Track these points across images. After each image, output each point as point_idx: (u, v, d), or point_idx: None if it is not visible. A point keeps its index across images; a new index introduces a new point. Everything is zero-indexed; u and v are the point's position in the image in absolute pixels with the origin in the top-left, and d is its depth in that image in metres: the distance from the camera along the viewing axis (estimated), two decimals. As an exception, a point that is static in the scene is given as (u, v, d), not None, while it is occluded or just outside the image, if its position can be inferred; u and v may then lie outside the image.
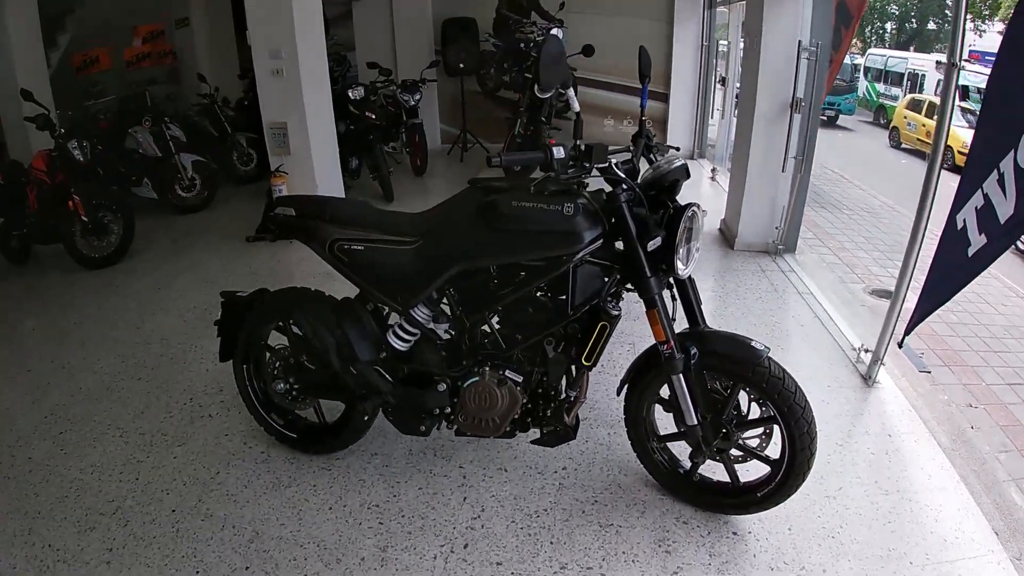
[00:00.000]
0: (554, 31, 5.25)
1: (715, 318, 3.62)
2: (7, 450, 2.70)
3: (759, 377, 1.88)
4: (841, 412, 2.85)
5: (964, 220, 2.37)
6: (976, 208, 2.31)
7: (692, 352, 1.93)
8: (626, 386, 2.14)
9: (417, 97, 5.98)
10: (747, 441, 2.10)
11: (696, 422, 2.00)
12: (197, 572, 2.05)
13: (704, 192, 6.51)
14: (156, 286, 4.37)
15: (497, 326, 2.10)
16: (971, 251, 2.35)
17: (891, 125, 16.28)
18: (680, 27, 7.20)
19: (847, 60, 18.65)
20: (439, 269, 2.02)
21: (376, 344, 2.23)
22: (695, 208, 1.87)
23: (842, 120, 18.66)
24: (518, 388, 2.07)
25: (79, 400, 3.05)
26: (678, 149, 2.12)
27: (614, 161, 1.84)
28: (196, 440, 2.72)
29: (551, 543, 2.11)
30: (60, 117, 5.09)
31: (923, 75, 17.90)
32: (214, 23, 7.41)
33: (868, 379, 3.03)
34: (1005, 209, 2.16)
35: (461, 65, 6.33)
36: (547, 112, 5.35)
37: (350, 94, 5.66)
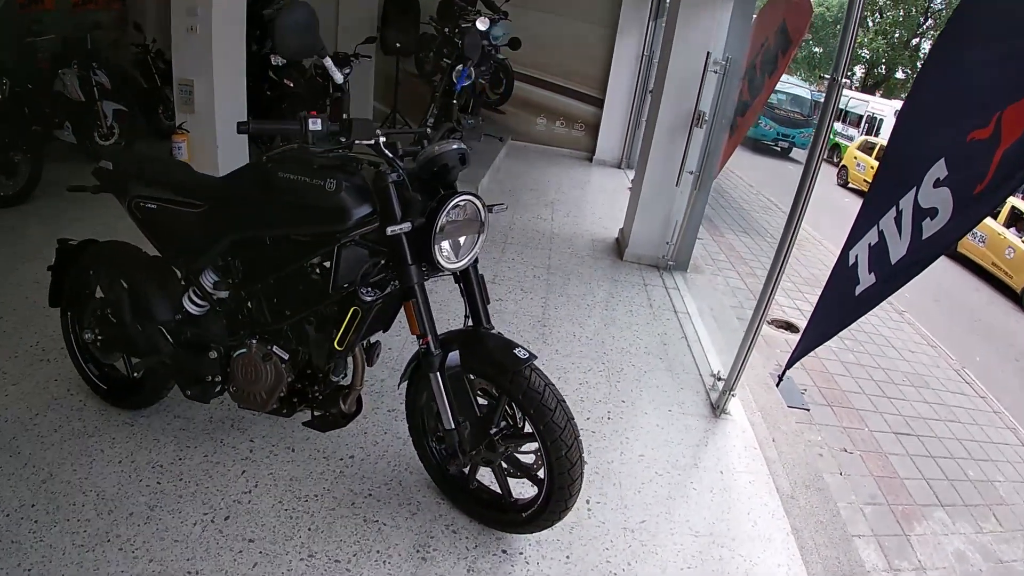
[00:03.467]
0: (478, 22, 5.33)
1: (573, 324, 3.61)
2: None
3: (515, 387, 1.82)
4: (674, 440, 2.71)
5: (856, 256, 2.28)
6: (870, 245, 2.22)
7: (452, 351, 1.88)
8: (407, 379, 2.12)
9: (346, 71, 5.98)
10: (523, 455, 2.07)
11: (452, 426, 1.90)
12: None
13: (621, 202, 6.60)
14: (50, 232, 4.38)
15: (271, 300, 2.09)
16: (859, 290, 2.24)
17: (841, 164, 16.64)
18: (623, 35, 7.31)
19: (808, 95, 19.00)
20: (217, 236, 2.04)
21: (175, 306, 2.25)
22: (470, 199, 1.81)
23: (795, 153, 18.93)
24: (283, 365, 2.06)
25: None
26: (501, 139, 2.16)
27: (382, 140, 1.76)
28: (29, 381, 2.77)
29: (309, 530, 2.12)
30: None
31: (881, 120, 18.45)
32: (163, -27, 7.26)
33: (716, 408, 2.92)
34: (898, 249, 2.06)
35: (398, 45, 6.34)
36: (465, 99, 5.43)
37: (271, 59, 5.66)
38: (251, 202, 1.96)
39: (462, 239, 1.85)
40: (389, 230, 1.69)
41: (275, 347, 2.07)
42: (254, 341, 2.09)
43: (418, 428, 2.19)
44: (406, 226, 1.70)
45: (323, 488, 2.29)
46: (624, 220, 5.17)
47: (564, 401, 1.86)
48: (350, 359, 2.10)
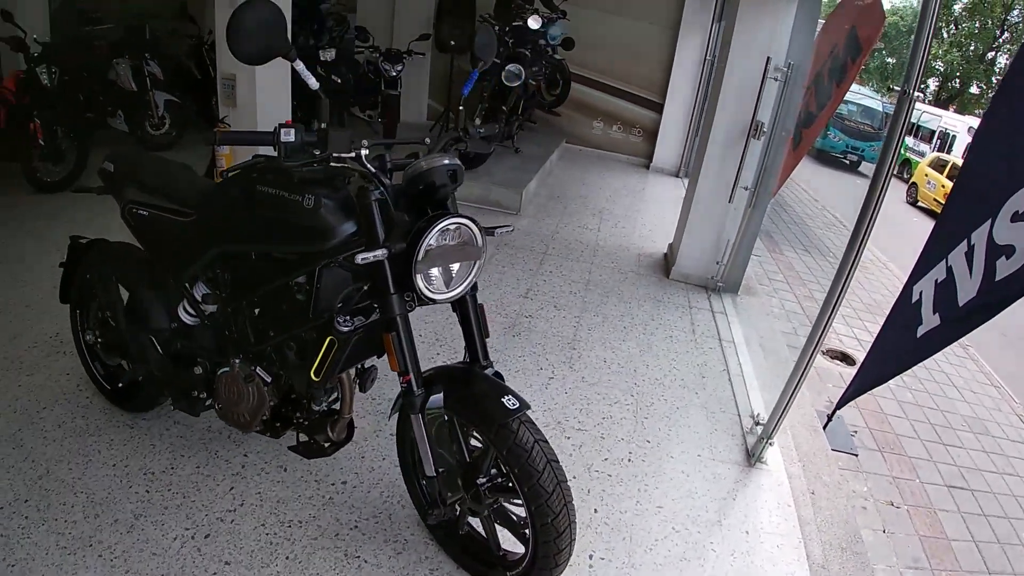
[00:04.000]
0: (530, 20, 5.12)
1: (605, 349, 3.33)
2: None
3: (500, 440, 1.60)
4: (699, 491, 2.45)
5: (920, 293, 2.03)
6: (936, 281, 1.96)
7: (436, 392, 1.68)
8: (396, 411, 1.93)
9: (399, 68, 5.91)
10: (515, 506, 1.85)
11: (432, 473, 1.72)
12: None
13: (674, 213, 6.27)
14: (91, 217, 4.45)
15: (256, 319, 1.96)
16: (921, 331, 1.99)
17: (911, 180, 15.73)
18: (685, 37, 6.95)
19: (879, 107, 18.06)
20: (204, 247, 1.93)
21: (171, 314, 2.16)
22: (462, 222, 1.59)
23: (864, 167, 18.04)
24: (266, 388, 1.93)
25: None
26: (518, 151, 1.97)
27: (364, 152, 1.57)
28: (42, 373, 2.77)
29: (287, 558, 2.00)
30: (47, 41, 5.16)
31: (954, 136, 17.49)
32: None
33: (752, 456, 2.64)
34: (967, 289, 1.80)
35: (452, 42, 6.23)
36: (514, 101, 5.26)
37: (321, 55, 5.63)
38: (235, 214, 1.82)
39: (455, 266, 1.63)
40: (359, 258, 1.47)
41: (259, 368, 1.94)
42: (237, 360, 1.97)
43: (407, 464, 2.02)
44: (379, 253, 1.49)
45: (309, 514, 2.17)
46: (673, 235, 4.85)
47: (556, 461, 1.64)
48: (343, 383, 1.95)
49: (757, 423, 2.83)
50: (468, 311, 1.78)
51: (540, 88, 6.09)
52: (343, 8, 6.98)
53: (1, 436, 2.43)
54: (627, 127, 7.17)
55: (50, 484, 2.23)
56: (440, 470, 1.73)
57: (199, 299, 2.09)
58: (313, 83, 1.60)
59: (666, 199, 6.25)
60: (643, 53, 7.09)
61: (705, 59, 7.03)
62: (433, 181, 1.58)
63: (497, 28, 5.50)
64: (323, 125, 1.58)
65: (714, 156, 4.34)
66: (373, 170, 1.58)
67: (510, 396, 1.63)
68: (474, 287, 1.75)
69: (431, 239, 1.53)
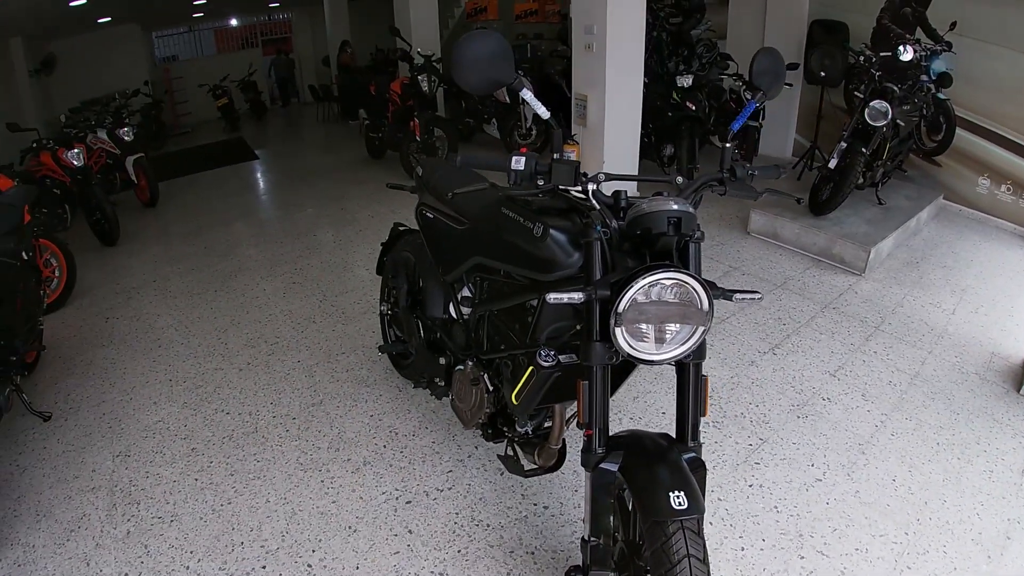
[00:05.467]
0: (901, 50, 4.19)
1: (900, 464, 2.54)
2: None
3: (651, 538, 1.36)
4: None
5: None
6: None
7: (615, 455, 1.50)
8: None
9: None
10: None
11: (587, 537, 1.57)
12: (273, 403, 2.90)
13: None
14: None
15: (494, 329, 2.06)
16: None
17: None
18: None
19: None
20: (467, 255, 2.07)
21: (443, 307, 2.41)
22: (679, 279, 1.37)
23: None
24: (487, 395, 2.01)
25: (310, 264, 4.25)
26: (799, 201, 1.63)
27: (591, 187, 1.50)
28: (356, 325, 3.56)
29: (458, 552, 2.09)
30: (428, 54, 6.29)
31: None
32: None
33: None
34: None
35: (822, 74, 5.57)
36: (877, 143, 4.41)
37: (678, 81, 5.58)
38: (490, 231, 1.91)
39: (673, 327, 1.42)
40: (550, 297, 1.40)
41: (486, 375, 2.04)
42: (471, 362, 2.10)
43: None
44: (575, 296, 1.40)
45: (499, 522, 2.20)
46: None
47: None
48: (555, 413, 1.91)
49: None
50: (686, 381, 1.54)
51: (917, 132, 5.05)
52: (713, 35, 6.86)
53: (303, 364, 3.12)
54: (1019, 189, 5.43)
55: (317, 413, 2.80)
56: (595, 540, 1.56)
57: (459, 301, 2.28)
58: (543, 112, 1.56)
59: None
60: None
61: None
62: (650, 227, 1.41)
63: (862, 58, 4.74)
64: (556, 156, 1.53)
65: None
66: (598, 206, 1.50)
67: (682, 493, 1.36)
68: (699, 355, 1.51)
69: (636, 292, 1.36)
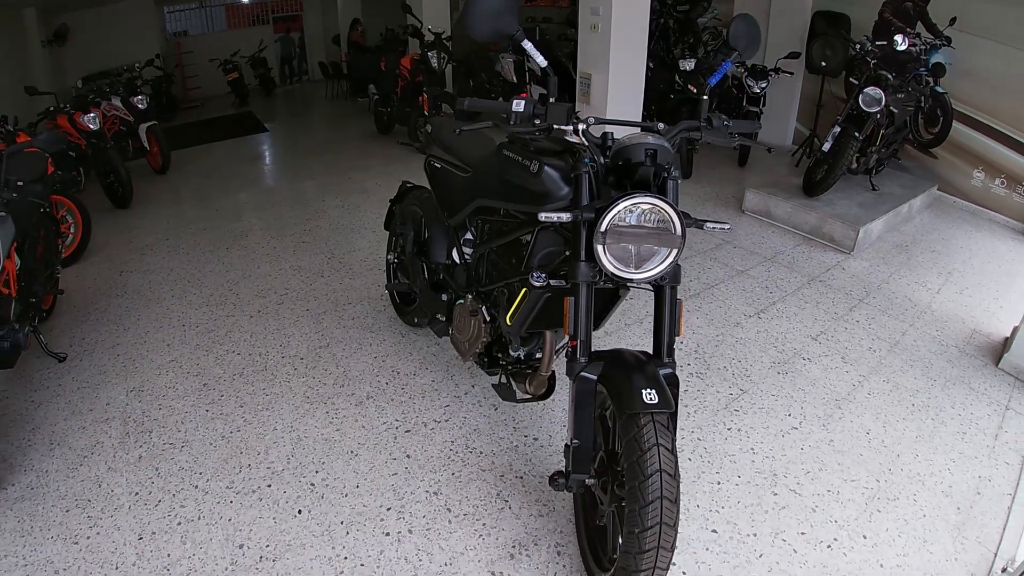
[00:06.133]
0: (898, 39, 4.33)
1: (875, 421, 2.67)
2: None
3: (624, 429, 1.51)
4: None
5: None
6: None
7: (596, 365, 1.64)
8: None
9: (763, 85, 5.66)
10: None
11: (569, 441, 1.71)
12: (282, 345, 3.05)
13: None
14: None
15: (492, 264, 2.23)
16: None
17: None
18: None
19: None
20: (470, 199, 2.26)
21: (447, 253, 2.57)
22: (654, 203, 1.51)
23: None
24: (485, 325, 2.18)
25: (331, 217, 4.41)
26: (770, 150, 1.81)
27: (581, 127, 1.65)
28: (363, 279, 3.69)
29: (452, 475, 2.25)
30: (439, 32, 6.45)
31: None
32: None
33: None
34: None
35: (823, 64, 5.68)
36: (871, 129, 4.53)
37: (681, 64, 5.70)
38: (491, 173, 2.10)
39: (652, 248, 1.57)
40: (542, 215, 1.59)
41: (484, 307, 2.21)
42: (470, 296, 2.29)
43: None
44: (563, 216, 1.59)
45: (491, 450, 2.36)
46: (1022, 318, 3.65)
47: (671, 475, 1.47)
48: (545, 341, 2.04)
49: (1004, 571, 2.01)
50: (663, 303, 1.69)
51: (914, 124, 5.17)
52: (719, 23, 6.97)
53: (312, 313, 3.28)
54: (1012, 184, 5.54)
55: (324, 354, 2.96)
56: (577, 442, 1.69)
57: (461, 243, 2.46)
58: (541, 61, 1.71)
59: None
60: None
61: None
62: (630, 158, 1.59)
63: (859, 45, 4.86)
64: (552, 99, 1.68)
65: None
66: (587, 143, 1.66)
67: (654, 391, 1.52)
68: (674, 279, 1.66)
69: (616, 213, 1.52)
